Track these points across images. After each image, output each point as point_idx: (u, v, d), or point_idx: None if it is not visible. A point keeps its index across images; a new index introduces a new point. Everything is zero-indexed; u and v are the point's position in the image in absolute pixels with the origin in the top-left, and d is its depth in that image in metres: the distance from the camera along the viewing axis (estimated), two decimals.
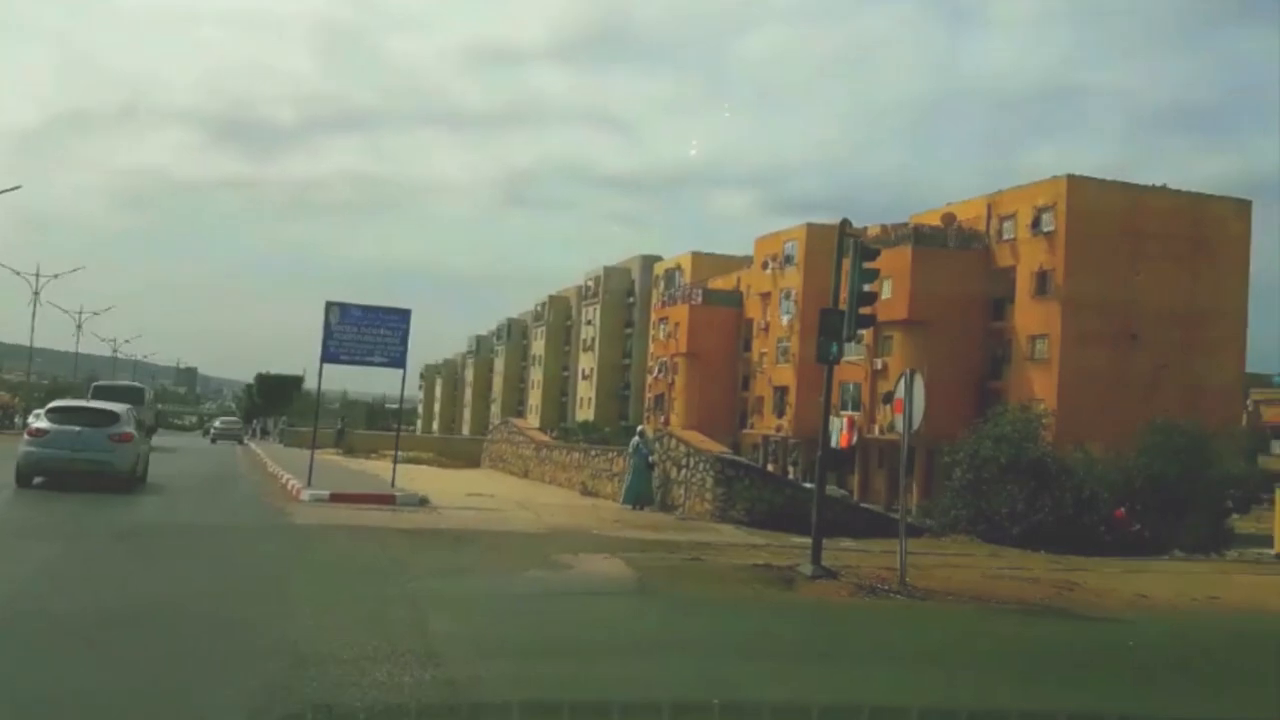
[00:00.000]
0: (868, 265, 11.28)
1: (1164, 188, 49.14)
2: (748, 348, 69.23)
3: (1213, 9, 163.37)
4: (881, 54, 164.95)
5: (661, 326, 76.20)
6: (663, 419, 71.93)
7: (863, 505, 31.62)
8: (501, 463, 33.17)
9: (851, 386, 55.67)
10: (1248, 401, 57.78)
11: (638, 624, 8.37)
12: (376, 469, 26.26)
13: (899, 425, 11.09)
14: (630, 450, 21.34)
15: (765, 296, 66.52)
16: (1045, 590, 11.03)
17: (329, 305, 19.30)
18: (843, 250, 11.17)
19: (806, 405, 55.15)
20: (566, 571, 10.71)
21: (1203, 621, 10.14)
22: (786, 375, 62.49)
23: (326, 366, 19.74)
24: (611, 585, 10.06)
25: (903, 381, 11.10)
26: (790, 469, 59.00)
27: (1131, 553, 19.89)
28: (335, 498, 17.81)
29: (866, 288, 11.24)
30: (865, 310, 11.31)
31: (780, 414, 63.70)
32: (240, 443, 55.31)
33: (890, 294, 52.85)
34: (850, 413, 54.92)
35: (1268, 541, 27.57)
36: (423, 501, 18.18)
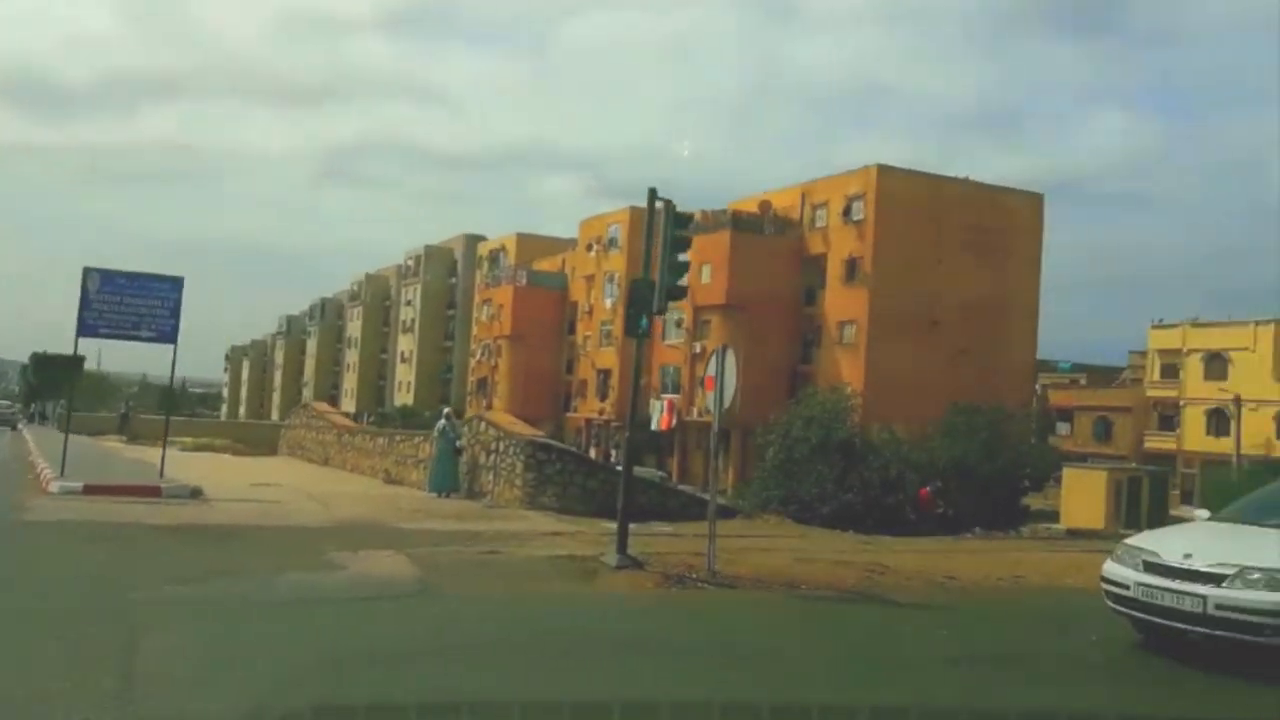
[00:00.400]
0: (680, 234, 10.53)
1: (966, 179, 51.51)
2: (572, 330, 68.55)
3: (1012, 19, 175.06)
4: (706, 44, 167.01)
5: (485, 308, 74.50)
6: (485, 403, 70.49)
7: (678, 487, 31.47)
8: (301, 450, 30.98)
9: (671, 369, 55.90)
10: (1037, 386, 61.78)
11: (402, 632, 7.25)
12: (156, 457, 23.74)
13: (711, 403, 10.43)
14: (435, 434, 20.01)
15: (590, 279, 65.95)
16: (856, 574, 10.66)
17: (87, 271, 17.05)
18: (652, 219, 10.35)
19: (630, 388, 54.70)
20: (337, 573, 9.43)
21: (1010, 603, 9.99)
22: (609, 358, 62.17)
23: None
24: (386, 587, 8.89)
25: (714, 358, 10.44)
26: (612, 452, 58.75)
27: (936, 531, 20.34)
28: (90, 489, 15.70)
29: (680, 257, 10.48)
30: (677, 282, 10.56)
31: (603, 397, 63.39)
32: (14, 428, 50.13)
33: (710, 279, 53.30)
34: (670, 395, 55.08)
35: (1056, 517, 29.23)
36: (195, 493, 16.30)
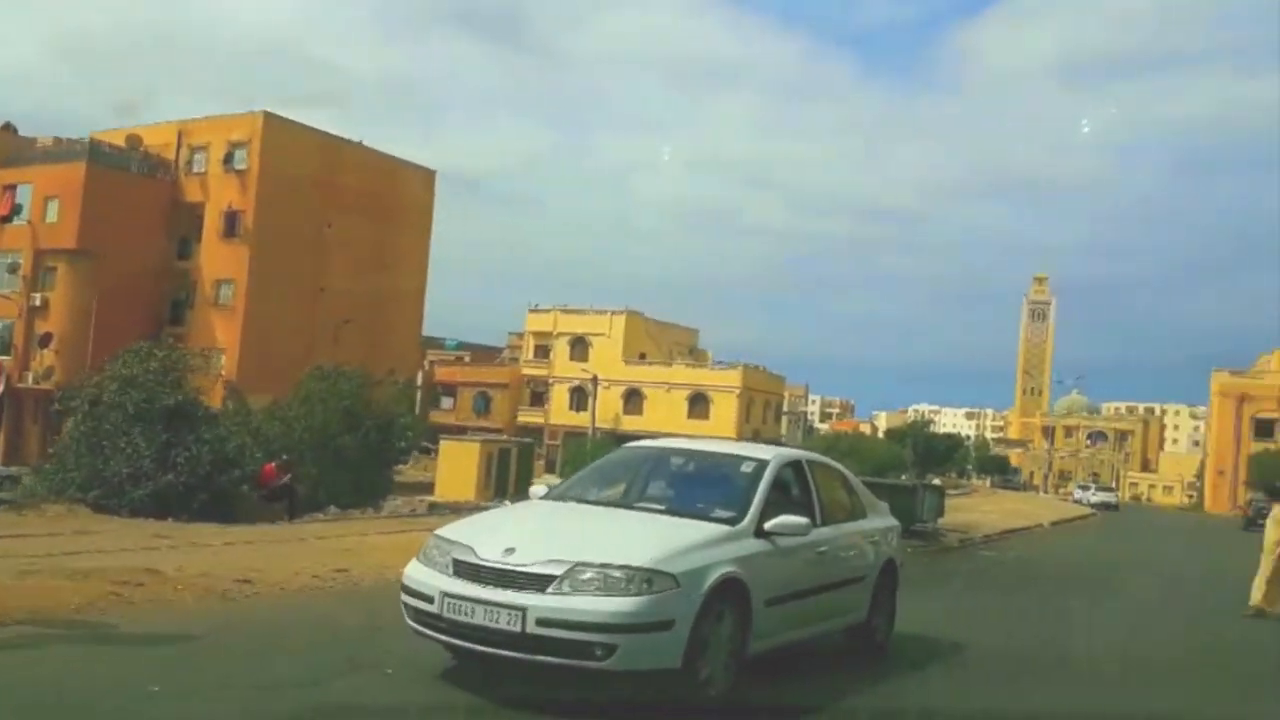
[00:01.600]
0: None
1: (360, 144, 49.35)
2: None
3: (428, 10, 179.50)
4: None
5: None
6: None
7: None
8: None
9: (0, 325, 45.86)
10: (426, 361, 62.40)
11: None
12: None
13: None
14: None
15: None
16: (96, 590, 7.34)
17: None
18: None
19: None
20: None
21: (302, 617, 7.48)
22: None
23: None
24: None
25: None
26: None
27: (283, 514, 17.70)
28: None
29: None
30: None
31: None
32: None
33: (57, 217, 44.69)
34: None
35: (430, 489, 28.51)
36: None
